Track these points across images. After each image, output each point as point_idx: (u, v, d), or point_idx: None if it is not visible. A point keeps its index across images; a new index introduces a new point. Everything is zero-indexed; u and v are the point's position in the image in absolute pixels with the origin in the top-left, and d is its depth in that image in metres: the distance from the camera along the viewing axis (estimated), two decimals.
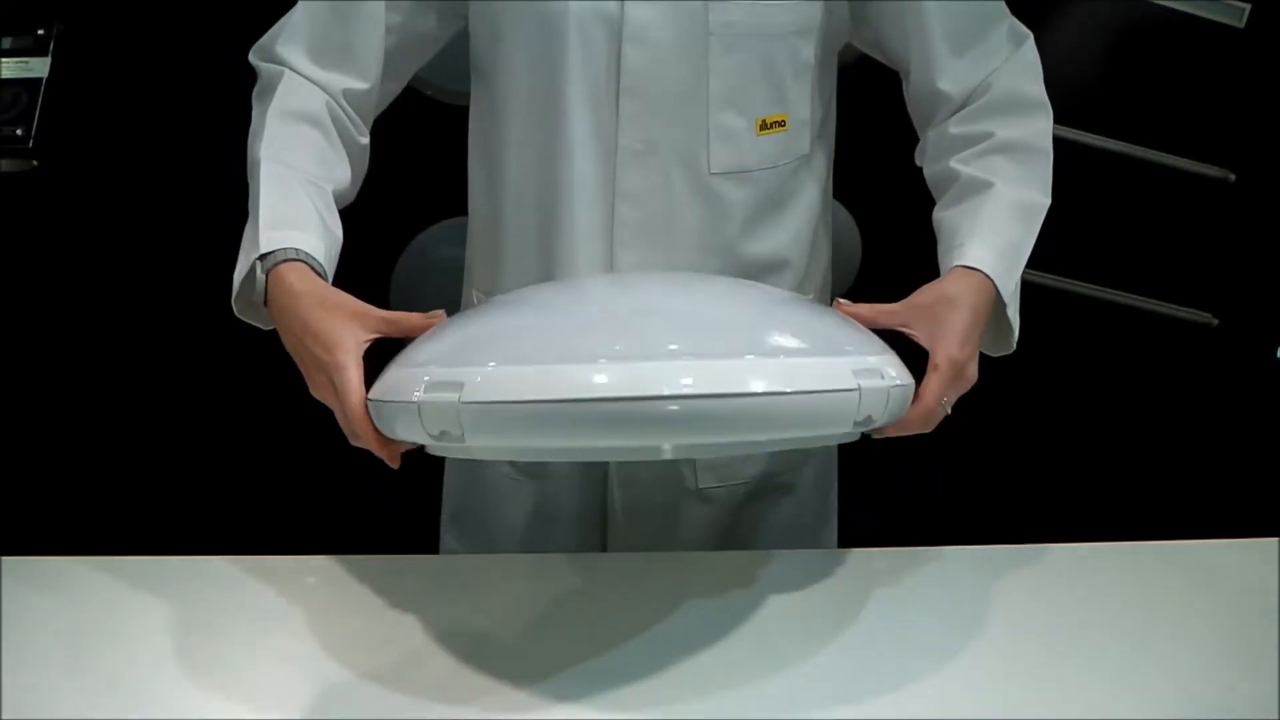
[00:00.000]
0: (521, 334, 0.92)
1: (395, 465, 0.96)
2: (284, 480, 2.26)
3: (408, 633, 1.05)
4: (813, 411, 0.87)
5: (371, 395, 0.93)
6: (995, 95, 1.17)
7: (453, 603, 1.10)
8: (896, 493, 2.38)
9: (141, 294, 2.20)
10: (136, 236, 2.18)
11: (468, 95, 1.26)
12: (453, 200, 1.38)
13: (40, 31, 1.96)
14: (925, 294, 1.07)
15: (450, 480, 1.39)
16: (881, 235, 2.20)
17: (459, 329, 0.96)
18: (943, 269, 1.10)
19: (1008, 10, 1.19)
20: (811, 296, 1.27)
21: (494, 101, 1.21)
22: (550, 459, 0.99)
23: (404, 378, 0.90)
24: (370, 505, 2.29)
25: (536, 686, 0.97)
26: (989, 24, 1.18)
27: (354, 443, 0.97)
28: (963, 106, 1.18)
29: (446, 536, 1.39)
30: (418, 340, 0.95)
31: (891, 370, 0.93)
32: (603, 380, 0.82)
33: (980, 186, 1.13)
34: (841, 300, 1.04)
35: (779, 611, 1.09)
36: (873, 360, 0.92)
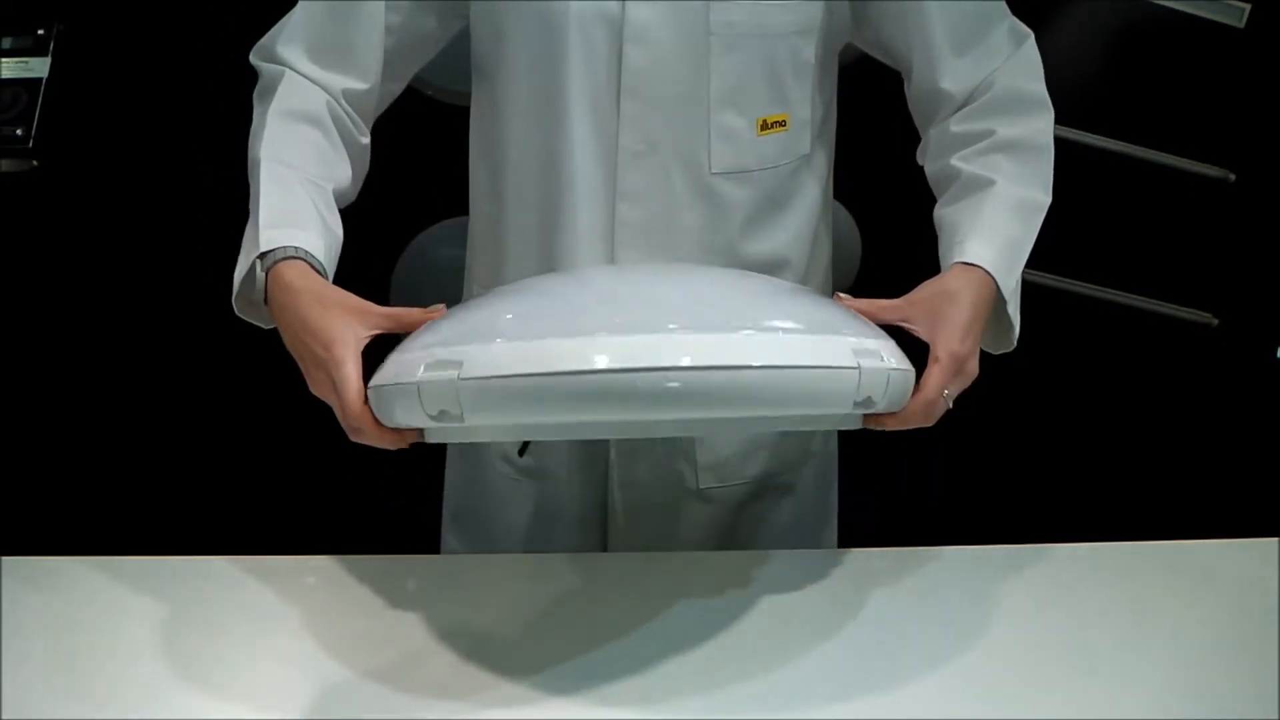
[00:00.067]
0: (522, 315, 0.91)
1: (396, 447, 0.96)
2: (284, 480, 2.26)
3: (408, 632, 1.05)
4: (812, 387, 0.86)
5: (371, 383, 0.93)
6: (997, 94, 1.17)
7: (453, 602, 1.10)
8: (897, 493, 2.38)
9: (141, 294, 2.20)
10: (136, 236, 2.18)
11: (468, 95, 1.26)
12: (453, 200, 1.38)
13: (40, 31, 1.96)
14: (926, 289, 1.07)
15: (451, 480, 1.39)
16: (881, 235, 2.20)
17: (459, 316, 0.95)
18: (943, 266, 1.10)
19: (1008, 10, 1.20)
20: None
21: (495, 101, 1.21)
22: (551, 437, 0.98)
23: (403, 362, 0.90)
24: (371, 505, 2.29)
25: (537, 686, 0.97)
26: (990, 23, 1.18)
27: (353, 438, 0.97)
28: (964, 105, 1.18)
29: (447, 536, 1.39)
30: (417, 331, 0.95)
31: (891, 355, 0.93)
32: (601, 352, 0.82)
33: (981, 184, 1.14)
34: (842, 294, 1.04)
35: (779, 611, 1.09)
36: (872, 344, 0.92)
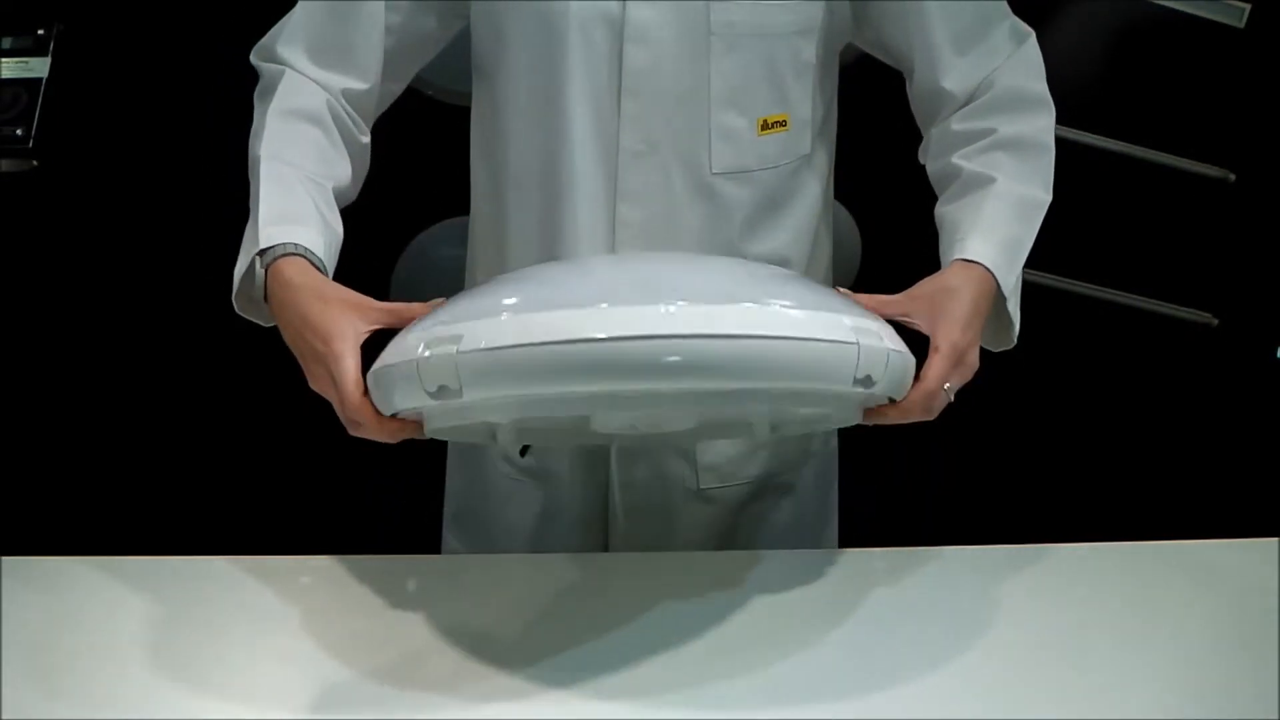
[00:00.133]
0: (522, 294, 0.91)
1: (396, 439, 0.96)
2: (284, 480, 2.26)
3: (408, 632, 1.05)
4: (812, 360, 0.86)
5: (371, 370, 0.93)
6: (998, 92, 1.17)
7: (453, 602, 1.10)
8: (897, 493, 2.38)
9: (141, 294, 2.20)
10: (136, 236, 2.18)
11: (469, 95, 1.26)
12: (453, 200, 1.38)
13: (40, 31, 1.96)
14: (926, 285, 1.07)
15: (452, 481, 1.39)
16: (881, 235, 2.20)
17: (458, 301, 0.95)
18: (944, 263, 1.10)
19: (1009, 9, 1.20)
20: None
21: (495, 101, 1.21)
22: (551, 413, 0.98)
23: (402, 344, 0.90)
24: (371, 505, 2.29)
25: (537, 686, 0.97)
26: (991, 23, 1.18)
27: (352, 431, 0.97)
28: (966, 104, 1.18)
29: (448, 536, 1.39)
30: (416, 320, 0.95)
31: (891, 339, 0.93)
32: (601, 322, 0.82)
33: (982, 182, 1.14)
34: (842, 289, 1.04)
35: (779, 611, 1.09)
36: (872, 325, 0.92)
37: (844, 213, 2.16)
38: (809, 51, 1.17)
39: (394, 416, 0.94)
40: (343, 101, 1.18)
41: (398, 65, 1.21)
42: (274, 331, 1.05)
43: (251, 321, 1.10)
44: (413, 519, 1.56)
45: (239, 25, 1.30)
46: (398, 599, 1.10)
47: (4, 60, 1.95)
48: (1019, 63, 1.18)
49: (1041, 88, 1.19)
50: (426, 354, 0.86)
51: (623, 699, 0.96)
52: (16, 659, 1.00)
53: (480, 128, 1.26)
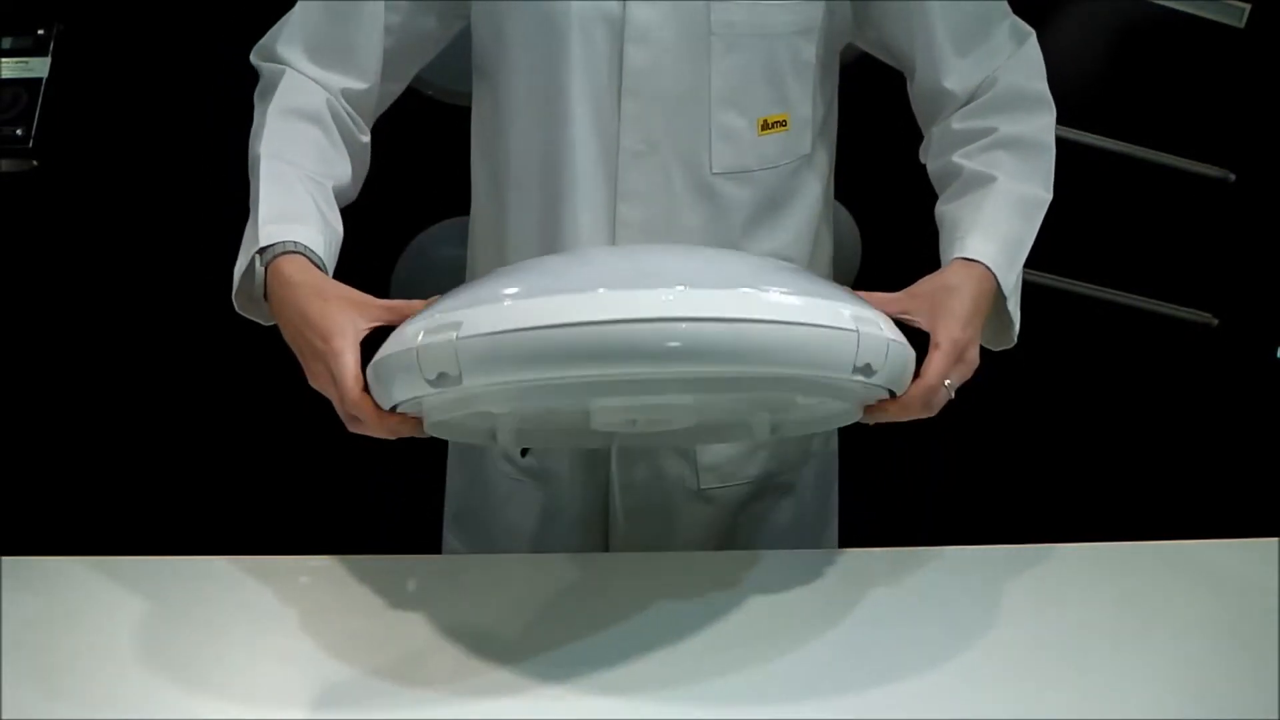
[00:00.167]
0: (521, 282, 0.91)
1: (396, 436, 0.96)
2: (284, 480, 2.26)
3: (408, 632, 1.05)
4: (811, 346, 0.86)
5: (371, 362, 0.93)
6: (999, 92, 1.17)
7: (454, 602, 1.10)
8: (897, 493, 2.38)
9: (141, 293, 2.20)
10: (136, 236, 2.18)
11: (469, 95, 1.27)
12: (453, 200, 1.38)
13: (40, 31, 1.96)
14: (927, 283, 1.07)
15: (453, 481, 1.39)
16: (881, 235, 2.20)
17: (457, 292, 0.95)
18: (944, 261, 1.11)
19: (1009, 9, 1.20)
20: None
21: (496, 101, 1.21)
22: (550, 403, 0.98)
23: (401, 335, 0.90)
24: (372, 505, 2.29)
25: (538, 686, 0.97)
26: (991, 23, 1.18)
27: (351, 428, 0.97)
28: (967, 103, 1.19)
29: (449, 536, 1.39)
30: (414, 314, 0.95)
31: (890, 330, 0.93)
32: (600, 305, 0.82)
33: (983, 181, 1.14)
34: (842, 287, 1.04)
35: (779, 611, 1.09)
36: (871, 314, 0.92)
37: (844, 213, 2.16)
38: (809, 51, 1.17)
39: (394, 411, 0.94)
40: (342, 101, 1.18)
41: (397, 65, 1.21)
42: (274, 331, 1.05)
43: (251, 321, 1.10)
44: (413, 519, 1.56)
45: (239, 25, 1.30)
46: (398, 599, 1.10)
47: (4, 60, 1.95)
48: (1020, 62, 1.18)
49: (1042, 87, 1.19)
50: (425, 341, 0.86)
51: (623, 698, 0.96)
52: (16, 659, 1.00)
53: (480, 128, 1.27)
